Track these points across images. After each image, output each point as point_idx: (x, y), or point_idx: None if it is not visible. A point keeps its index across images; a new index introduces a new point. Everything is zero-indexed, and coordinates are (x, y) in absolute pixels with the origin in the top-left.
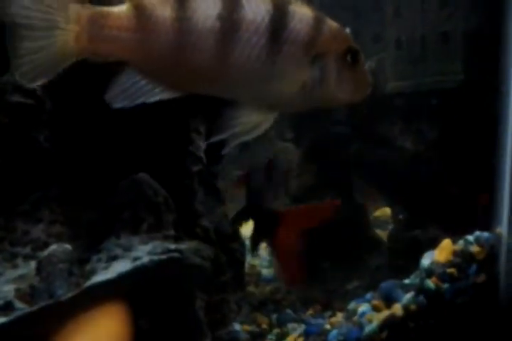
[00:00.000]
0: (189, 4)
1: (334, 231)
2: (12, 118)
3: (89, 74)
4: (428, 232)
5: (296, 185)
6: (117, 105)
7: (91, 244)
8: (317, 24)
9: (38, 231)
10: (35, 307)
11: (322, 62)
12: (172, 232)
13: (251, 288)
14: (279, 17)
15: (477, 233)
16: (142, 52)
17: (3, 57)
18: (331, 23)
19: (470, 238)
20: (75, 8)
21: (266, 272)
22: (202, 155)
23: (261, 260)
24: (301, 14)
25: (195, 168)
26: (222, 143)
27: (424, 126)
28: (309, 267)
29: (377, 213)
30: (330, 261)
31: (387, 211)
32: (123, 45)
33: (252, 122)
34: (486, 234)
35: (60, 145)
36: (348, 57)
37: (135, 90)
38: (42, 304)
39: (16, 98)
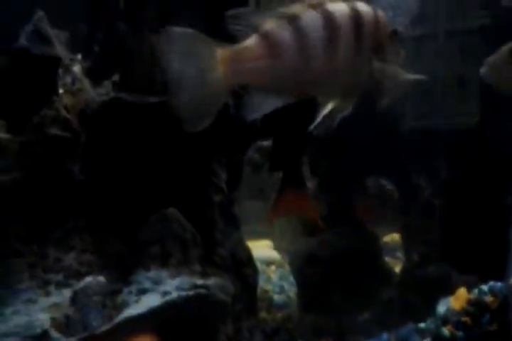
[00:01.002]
0: (302, 27)
1: (346, 260)
2: (49, 150)
3: (119, 113)
4: (440, 269)
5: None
6: (250, 118)
7: (120, 274)
8: (376, 17)
9: (69, 259)
10: (72, 339)
11: (383, 49)
12: (198, 268)
13: (263, 314)
14: (356, 17)
15: (491, 283)
16: (273, 75)
17: (42, 90)
18: (381, 13)
19: (484, 288)
20: (219, 52)
21: (278, 298)
22: (223, 185)
23: (273, 285)
24: (365, 10)
25: (217, 198)
26: (240, 170)
27: (439, 165)
28: (321, 297)
29: (386, 239)
30: (341, 292)
31: (395, 237)
32: (259, 72)
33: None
34: (499, 285)
35: (93, 177)
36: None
37: (261, 104)
38: (78, 336)
39: (54, 131)
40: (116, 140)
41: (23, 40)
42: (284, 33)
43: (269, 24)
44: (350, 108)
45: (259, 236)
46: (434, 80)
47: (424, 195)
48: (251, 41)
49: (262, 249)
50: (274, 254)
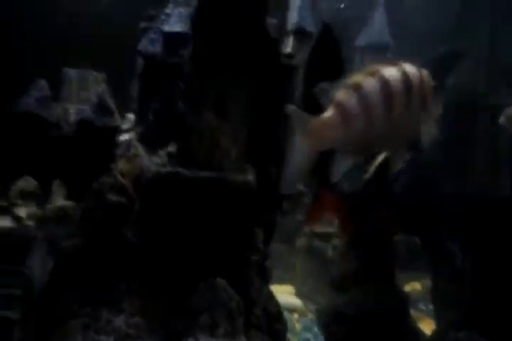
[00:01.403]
0: (365, 95)
1: (374, 320)
2: (108, 216)
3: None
4: (471, 336)
5: (339, 271)
6: (334, 180)
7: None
8: (422, 77)
9: (119, 321)
10: None
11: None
12: (243, 339)
13: None
14: (406, 80)
15: None
16: (346, 138)
17: (101, 158)
18: (425, 72)
19: None
20: (310, 124)
21: None
22: (260, 244)
23: (298, 338)
24: (413, 72)
25: (254, 259)
26: (274, 225)
27: (472, 232)
28: None
29: (407, 288)
30: None
31: (416, 286)
32: (335, 138)
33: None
34: None
35: (145, 242)
36: None
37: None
38: None
39: (112, 197)
40: (169, 209)
41: (88, 111)
42: (351, 103)
43: (340, 94)
44: (403, 156)
45: (281, 281)
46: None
47: (455, 260)
48: (327, 113)
49: (284, 294)
50: (297, 301)
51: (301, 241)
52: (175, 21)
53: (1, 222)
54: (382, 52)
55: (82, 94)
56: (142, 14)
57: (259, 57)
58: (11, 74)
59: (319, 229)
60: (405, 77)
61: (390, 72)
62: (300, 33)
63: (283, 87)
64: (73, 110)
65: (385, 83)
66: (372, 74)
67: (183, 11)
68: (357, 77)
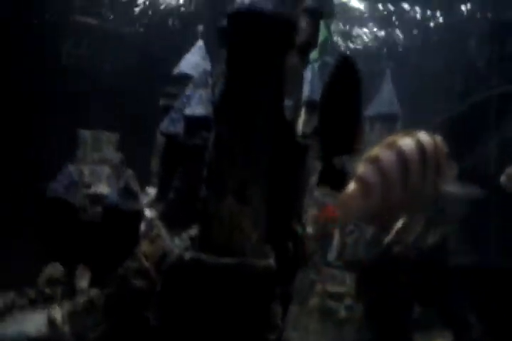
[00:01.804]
0: (383, 167)
1: None
2: (132, 301)
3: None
4: None
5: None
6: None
7: None
8: (436, 145)
9: None
10: None
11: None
12: None
13: None
14: (422, 149)
15: None
16: (367, 209)
17: (126, 242)
18: (438, 139)
19: None
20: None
21: None
22: (279, 321)
23: None
24: (427, 141)
25: (272, 337)
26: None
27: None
28: None
29: None
30: None
31: None
32: (360, 209)
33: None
34: None
35: (166, 324)
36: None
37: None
38: None
39: (137, 283)
40: (190, 293)
41: (114, 196)
42: (369, 176)
43: (360, 167)
44: (421, 221)
45: None
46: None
47: (474, 332)
48: (350, 187)
49: None
50: None
51: (313, 301)
52: (196, 104)
53: (35, 324)
54: (392, 122)
55: (95, 155)
56: (162, 91)
57: (277, 139)
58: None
59: (331, 288)
60: (420, 146)
61: (406, 144)
62: (311, 106)
63: (299, 166)
64: (87, 171)
65: (401, 155)
66: (389, 146)
67: (204, 93)
68: (375, 150)
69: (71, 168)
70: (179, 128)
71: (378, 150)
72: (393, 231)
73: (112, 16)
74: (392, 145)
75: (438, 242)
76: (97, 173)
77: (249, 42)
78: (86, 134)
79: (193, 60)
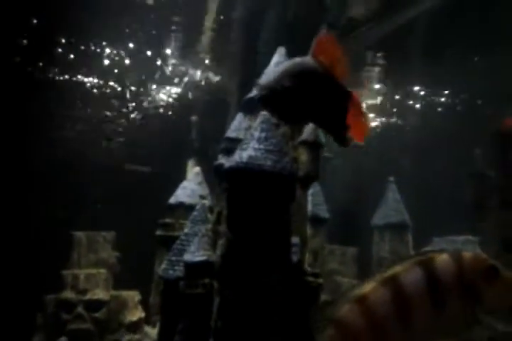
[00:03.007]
0: (372, 309)
1: None
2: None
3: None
4: None
5: None
6: None
7: None
8: (459, 264)
9: None
10: None
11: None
12: None
13: None
14: (432, 277)
15: None
16: None
17: None
18: (467, 255)
19: None
20: None
21: None
22: None
23: None
24: (443, 262)
25: None
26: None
27: None
28: None
29: None
30: None
31: None
32: None
33: None
34: None
35: None
36: None
37: None
38: None
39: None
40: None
41: None
42: (353, 322)
43: (343, 310)
44: None
45: None
46: None
47: None
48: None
49: None
50: None
51: None
52: (196, 249)
53: None
54: (403, 231)
55: (91, 257)
56: (158, 222)
57: (287, 288)
58: None
59: None
60: (430, 274)
61: (410, 275)
62: (315, 220)
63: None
64: (83, 276)
65: (398, 292)
66: (386, 282)
67: (203, 230)
68: (366, 287)
69: None
70: (179, 272)
71: (369, 288)
72: None
73: None
74: (391, 281)
75: None
76: (93, 278)
77: (248, 201)
78: (81, 236)
79: (189, 187)
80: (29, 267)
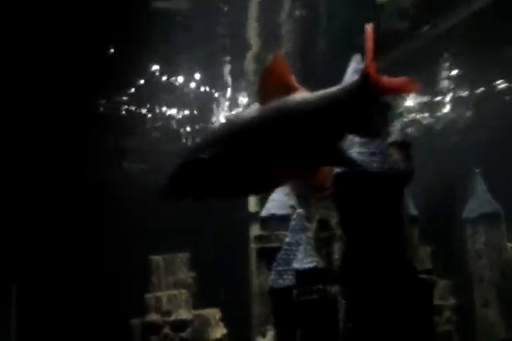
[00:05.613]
0: None
1: None
2: None
3: None
4: None
5: None
6: None
7: None
8: None
9: None
10: None
11: None
12: None
13: None
14: None
15: None
16: None
17: None
18: None
19: None
20: None
21: None
22: None
23: None
24: None
25: None
26: None
27: None
28: None
29: None
30: None
31: None
32: None
33: None
34: None
35: None
36: None
37: None
38: None
39: None
40: None
41: None
42: None
43: None
44: None
45: None
46: None
47: None
48: None
49: None
50: None
51: None
52: (303, 257)
53: None
54: (496, 221)
55: (170, 279)
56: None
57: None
58: None
59: None
60: None
61: None
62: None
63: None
64: (165, 298)
65: None
66: None
67: (305, 238)
68: None
69: None
70: (288, 281)
71: None
72: None
73: None
74: None
75: None
76: (175, 299)
77: (360, 203)
78: (158, 259)
79: (278, 199)
80: (113, 294)
